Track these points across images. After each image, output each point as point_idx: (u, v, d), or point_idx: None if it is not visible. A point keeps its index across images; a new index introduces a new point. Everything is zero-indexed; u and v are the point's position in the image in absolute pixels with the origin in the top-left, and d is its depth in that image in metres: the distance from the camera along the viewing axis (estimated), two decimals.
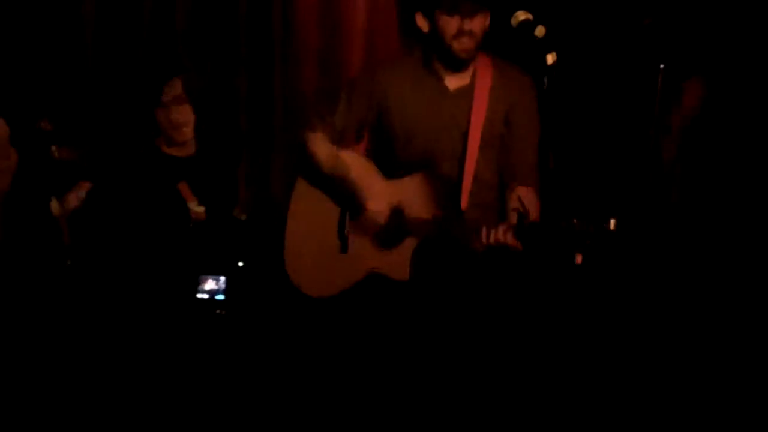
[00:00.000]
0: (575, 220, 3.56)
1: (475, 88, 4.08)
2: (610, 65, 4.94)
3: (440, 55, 4.03)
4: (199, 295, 4.32)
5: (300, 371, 4.25)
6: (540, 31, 3.70)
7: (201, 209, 4.41)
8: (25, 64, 4.72)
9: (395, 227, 4.05)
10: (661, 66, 4.25)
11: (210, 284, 4.34)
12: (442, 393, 3.99)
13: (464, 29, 3.92)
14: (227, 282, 4.34)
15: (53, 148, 4.06)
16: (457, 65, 4.05)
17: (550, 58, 3.67)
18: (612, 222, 3.52)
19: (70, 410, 3.93)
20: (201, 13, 5.25)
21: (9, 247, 3.85)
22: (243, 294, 4.36)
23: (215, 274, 4.34)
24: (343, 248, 4.14)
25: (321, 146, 4.12)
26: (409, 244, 4.06)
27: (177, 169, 4.48)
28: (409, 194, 4.06)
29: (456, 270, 4.04)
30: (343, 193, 4.11)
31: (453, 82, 4.10)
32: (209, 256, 4.38)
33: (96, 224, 4.23)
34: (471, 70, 4.08)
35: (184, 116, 4.51)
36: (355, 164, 4.12)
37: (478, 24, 3.94)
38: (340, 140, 4.13)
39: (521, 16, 3.76)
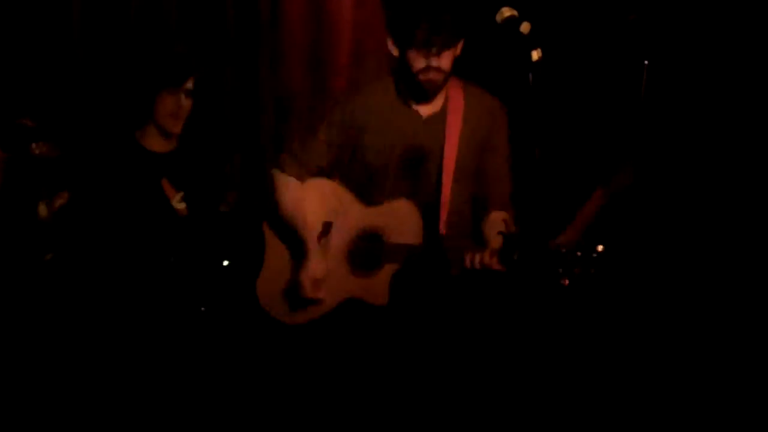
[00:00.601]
0: (563, 248, 3.53)
1: (448, 115, 4.05)
2: (595, 62, 4.92)
3: (408, 85, 3.99)
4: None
5: (276, 393, 4.21)
6: (525, 27, 3.67)
7: (182, 205, 4.39)
8: (6, 60, 4.69)
9: (373, 253, 4.02)
10: (645, 62, 4.24)
11: None
12: (423, 418, 3.97)
13: (431, 66, 3.88)
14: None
15: (33, 145, 4.03)
16: (425, 96, 4.01)
17: (535, 55, 3.65)
18: (599, 247, 3.48)
19: (57, 408, 3.91)
20: (189, 8, 5.21)
21: None
22: (226, 293, 4.32)
23: (199, 270, 4.31)
24: None
25: (283, 188, 4.08)
26: (388, 269, 4.02)
27: (158, 164, 4.45)
28: (388, 220, 4.03)
29: (437, 295, 4.01)
30: (331, 221, 4.07)
31: (424, 109, 4.06)
32: (193, 251, 4.35)
33: (79, 220, 4.21)
34: (443, 95, 4.05)
35: (186, 110, 4.48)
36: (325, 199, 4.07)
37: (446, 60, 3.90)
38: (313, 174, 4.08)
39: (506, 12, 3.73)
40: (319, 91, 5.33)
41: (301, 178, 4.07)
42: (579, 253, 3.48)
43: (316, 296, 4.02)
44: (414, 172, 4.07)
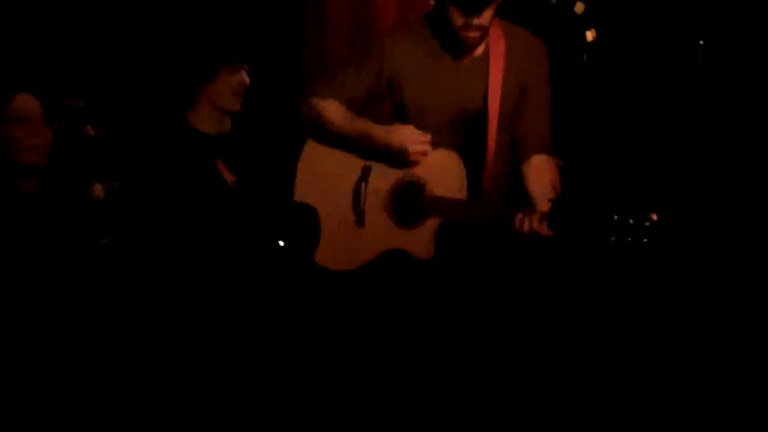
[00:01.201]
0: (615, 215, 3.46)
1: (490, 59, 3.95)
2: (649, 42, 4.88)
3: (446, 38, 3.91)
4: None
5: (313, 354, 4.18)
6: (579, 7, 3.65)
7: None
8: (55, 41, 4.69)
9: (415, 203, 3.94)
10: (701, 42, 4.20)
11: None
12: (458, 380, 3.93)
13: (472, 24, 3.79)
14: None
15: (87, 126, 4.04)
16: (462, 51, 3.93)
17: (590, 35, 3.62)
18: (653, 216, 3.43)
19: (109, 390, 3.93)
20: None
21: (44, 225, 3.84)
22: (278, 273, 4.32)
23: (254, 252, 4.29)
24: (359, 221, 4.03)
25: (333, 109, 3.99)
26: (432, 223, 3.93)
27: (212, 144, 4.42)
28: (430, 169, 3.94)
29: (486, 254, 3.93)
30: (365, 153, 3.99)
31: (467, 57, 3.96)
32: (248, 232, 4.34)
33: (133, 203, 4.21)
34: (483, 40, 3.94)
35: (245, 89, 4.44)
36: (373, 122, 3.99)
37: (486, 18, 3.80)
38: (349, 107, 4.02)
39: None
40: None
41: (342, 104, 4.01)
42: (631, 221, 3.43)
43: (428, 142, 3.90)
44: (455, 119, 3.98)
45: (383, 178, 4.00)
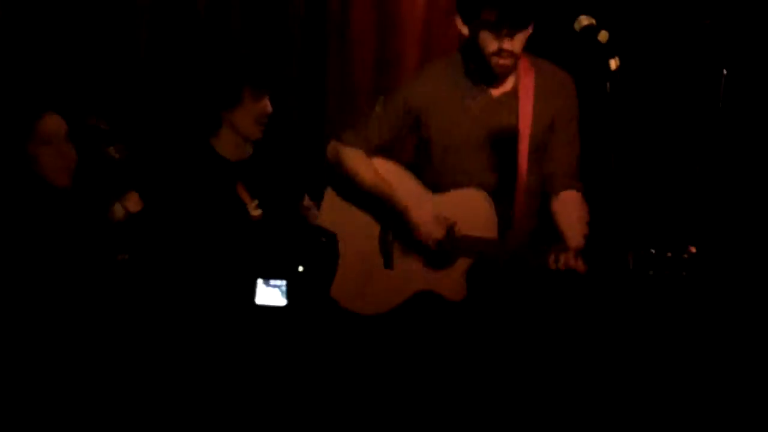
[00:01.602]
0: (652, 250, 3.45)
1: (519, 93, 3.95)
2: (673, 70, 4.87)
3: (478, 67, 3.91)
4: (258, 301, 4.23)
5: (344, 390, 4.16)
6: (603, 36, 3.64)
7: (258, 212, 4.35)
8: (79, 61, 4.71)
9: (445, 245, 3.91)
10: (724, 71, 4.18)
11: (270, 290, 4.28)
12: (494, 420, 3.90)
13: (504, 48, 3.80)
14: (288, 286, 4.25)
15: (111, 147, 4.05)
16: (494, 79, 3.93)
17: (614, 63, 3.61)
18: (692, 249, 3.43)
19: (122, 409, 3.92)
20: (257, 8, 5.20)
21: (66, 246, 3.85)
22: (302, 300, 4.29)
23: (276, 277, 4.24)
24: (387, 264, 4.03)
25: (358, 161, 3.99)
26: (462, 263, 3.91)
27: (233, 170, 4.41)
28: (458, 210, 3.92)
29: (519, 292, 3.91)
30: (386, 210, 3.99)
31: (495, 90, 3.97)
32: (269, 258, 4.33)
33: (154, 226, 4.20)
34: (513, 73, 3.95)
35: (267, 116, 4.42)
36: (396, 178, 3.99)
37: (518, 43, 3.81)
38: (373, 152, 4.02)
39: (584, 21, 3.70)
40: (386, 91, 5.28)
41: (366, 151, 4.00)
42: (669, 254, 3.42)
43: (440, 235, 3.89)
44: (483, 154, 3.96)
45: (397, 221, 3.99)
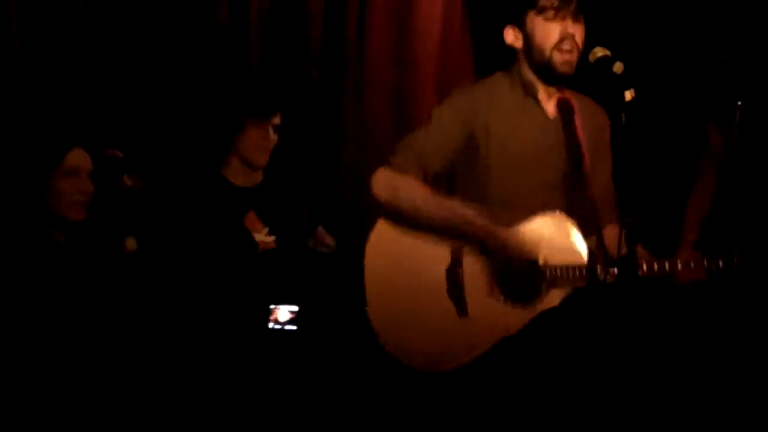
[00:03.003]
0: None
1: (572, 112, 3.78)
2: (688, 102, 4.85)
3: (539, 72, 3.75)
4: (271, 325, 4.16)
5: None
6: (618, 67, 3.60)
7: (270, 238, 4.37)
8: (95, 91, 4.72)
9: (526, 278, 3.61)
10: (739, 103, 4.16)
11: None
12: None
13: (568, 32, 3.65)
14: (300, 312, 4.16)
15: (124, 177, 4.05)
16: (557, 80, 3.74)
17: (629, 95, 3.57)
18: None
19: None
20: (274, 42, 5.22)
21: (76, 276, 3.83)
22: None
23: (287, 303, 4.17)
24: (461, 311, 3.65)
25: (418, 190, 3.65)
26: (554, 295, 3.60)
27: (243, 198, 4.46)
28: (543, 239, 3.64)
29: (633, 321, 3.47)
30: (455, 246, 3.66)
31: (550, 107, 3.80)
32: (280, 285, 4.29)
33: (164, 255, 4.20)
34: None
35: (273, 143, 4.47)
36: (467, 209, 3.64)
37: (579, 30, 3.68)
38: (426, 176, 3.68)
39: (599, 52, 3.66)
40: (402, 127, 5.26)
41: (423, 177, 3.65)
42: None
43: (537, 253, 3.57)
44: (542, 175, 3.75)
45: (479, 257, 3.66)
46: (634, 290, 3.38)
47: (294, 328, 4.19)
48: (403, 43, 5.48)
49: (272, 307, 4.20)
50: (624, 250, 3.34)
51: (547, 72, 3.74)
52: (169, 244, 4.24)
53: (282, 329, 4.20)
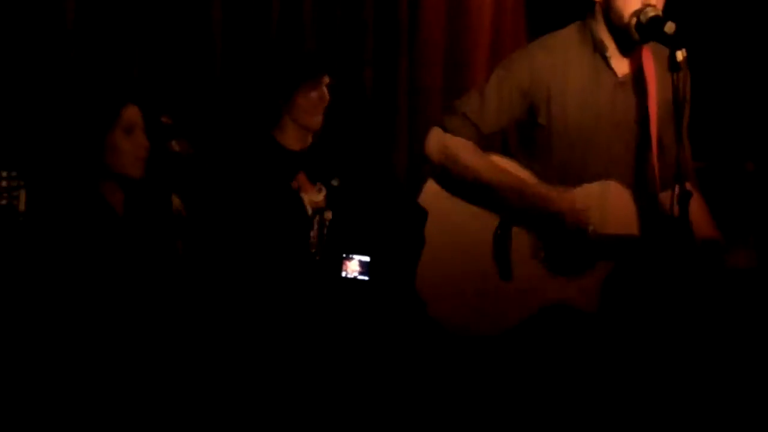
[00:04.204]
0: None
1: (645, 74, 3.66)
2: (740, 62, 4.77)
3: (614, 33, 3.65)
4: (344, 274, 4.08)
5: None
6: (670, 27, 3.55)
7: (320, 197, 4.37)
8: (146, 58, 4.73)
9: (578, 248, 3.54)
10: None
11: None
12: None
13: (650, 4, 3.56)
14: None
15: (174, 142, 4.06)
16: (631, 46, 3.65)
17: (680, 55, 3.51)
18: None
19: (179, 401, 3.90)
20: (329, 9, 5.21)
21: (129, 237, 3.85)
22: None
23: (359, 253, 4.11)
24: (505, 275, 3.60)
25: (471, 152, 3.60)
26: (601, 269, 3.52)
27: (295, 161, 4.45)
28: (594, 207, 3.54)
29: (678, 302, 3.42)
30: (505, 209, 3.59)
31: (620, 67, 3.69)
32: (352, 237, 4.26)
33: (213, 217, 4.22)
34: (637, 54, 3.69)
35: (325, 104, 4.46)
36: (521, 172, 3.59)
37: None
38: (482, 141, 3.63)
39: (651, 12, 3.63)
40: (455, 90, 5.22)
41: (477, 141, 3.58)
42: None
43: (589, 221, 3.47)
44: (608, 142, 3.65)
45: (529, 223, 3.60)
46: (687, 257, 3.29)
47: (366, 278, 4.13)
48: (457, 7, 5.43)
49: (344, 257, 4.16)
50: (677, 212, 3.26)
51: (623, 36, 3.66)
52: (217, 207, 4.24)
53: (354, 279, 4.14)
